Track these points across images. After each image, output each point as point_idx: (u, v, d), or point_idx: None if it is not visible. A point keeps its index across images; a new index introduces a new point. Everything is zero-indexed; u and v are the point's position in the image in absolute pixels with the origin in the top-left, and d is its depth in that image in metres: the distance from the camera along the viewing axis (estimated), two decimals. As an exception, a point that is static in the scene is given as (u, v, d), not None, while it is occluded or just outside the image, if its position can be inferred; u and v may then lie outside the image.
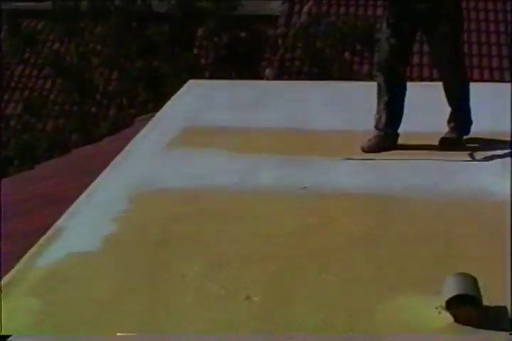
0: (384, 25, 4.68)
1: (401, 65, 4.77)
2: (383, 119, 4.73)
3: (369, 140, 4.70)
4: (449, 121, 4.79)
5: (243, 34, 13.83)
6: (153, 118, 5.64)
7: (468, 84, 4.76)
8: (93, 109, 14.11)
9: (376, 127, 4.76)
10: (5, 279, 3.15)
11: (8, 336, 2.64)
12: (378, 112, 4.76)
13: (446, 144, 4.69)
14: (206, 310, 2.87)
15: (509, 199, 3.74)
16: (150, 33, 14.02)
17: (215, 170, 4.38)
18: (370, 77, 12.70)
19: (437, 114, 4.84)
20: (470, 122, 4.77)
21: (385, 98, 4.71)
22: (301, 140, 4.88)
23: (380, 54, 4.84)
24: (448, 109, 4.79)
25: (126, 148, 4.88)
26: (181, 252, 3.37)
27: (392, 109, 4.73)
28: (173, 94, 6.30)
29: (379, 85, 4.74)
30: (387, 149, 4.67)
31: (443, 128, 4.77)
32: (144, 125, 5.48)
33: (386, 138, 4.72)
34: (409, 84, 4.81)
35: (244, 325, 2.77)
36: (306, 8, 4.59)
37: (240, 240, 3.47)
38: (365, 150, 4.65)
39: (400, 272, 3.14)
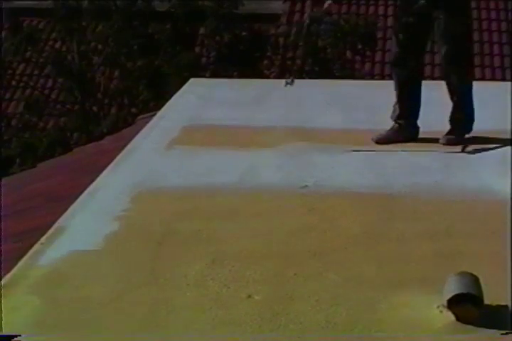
0: (394, 21, 4.77)
1: (410, 60, 4.76)
2: (397, 111, 4.82)
3: (384, 132, 4.75)
4: (451, 119, 4.79)
5: (245, 33, 13.81)
6: (155, 117, 5.64)
7: (471, 82, 4.76)
8: (94, 108, 14.08)
9: (392, 119, 4.84)
10: (6, 278, 3.15)
11: (16, 335, 2.63)
12: (394, 105, 4.84)
13: (447, 143, 4.69)
14: (208, 309, 2.87)
15: (509, 198, 3.74)
16: (151, 31, 13.98)
17: (217, 169, 4.38)
18: (371, 76, 12.72)
19: (439, 112, 4.84)
20: (472, 120, 4.75)
21: (396, 91, 4.81)
22: (303, 139, 4.87)
23: (392, 48, 4.98)
24: (450, 107, 4.79)
25: (128, 146, 4.88)
26: (183, 251, 3.37)
27: (403, 102, 4.80)
28: (174, 93, 6.31)
29: (393, 79, 4.86)
30: (399, 141, 4.73)
31: (444, 126, 4.77)
32: (146, 124, 5.48)
33: (400, 131, 4.77)
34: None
35: (246, 324, 2.76)
36: (326, 5, 4.58)
37: (241, 239, 3.47)
38: (373, 141, 4.72)
39: (401, 271, 3.14)
